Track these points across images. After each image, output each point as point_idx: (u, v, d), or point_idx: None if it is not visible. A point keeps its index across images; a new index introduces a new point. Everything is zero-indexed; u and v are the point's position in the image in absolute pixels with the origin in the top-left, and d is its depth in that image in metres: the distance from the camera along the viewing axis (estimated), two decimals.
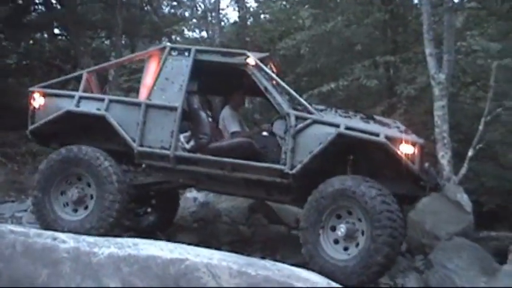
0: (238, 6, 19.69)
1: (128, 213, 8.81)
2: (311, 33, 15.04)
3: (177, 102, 8.15)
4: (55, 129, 8.71)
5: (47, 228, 7.81)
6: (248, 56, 8.16)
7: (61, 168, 8.25)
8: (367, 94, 15.75)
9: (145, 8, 22.68)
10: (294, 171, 7.61)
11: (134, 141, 8.18)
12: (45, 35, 21.93)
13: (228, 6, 22.96)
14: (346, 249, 7.38)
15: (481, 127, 11.53)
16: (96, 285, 5.06)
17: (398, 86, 14.32)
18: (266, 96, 8.17)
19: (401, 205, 7.91)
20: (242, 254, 6.52)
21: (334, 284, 5.67)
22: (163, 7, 24.47)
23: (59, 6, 19.73)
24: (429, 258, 8.58)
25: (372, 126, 7.94)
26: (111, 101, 8.42)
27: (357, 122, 8.09)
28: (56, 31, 21.45)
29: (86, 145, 8.41)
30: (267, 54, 9.43)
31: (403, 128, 8.36)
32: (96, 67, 10.39)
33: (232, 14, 30.96)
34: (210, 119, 8.78)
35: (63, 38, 21.52)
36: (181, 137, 8.31)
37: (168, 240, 7.30)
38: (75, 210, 8.26)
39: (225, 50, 9.00)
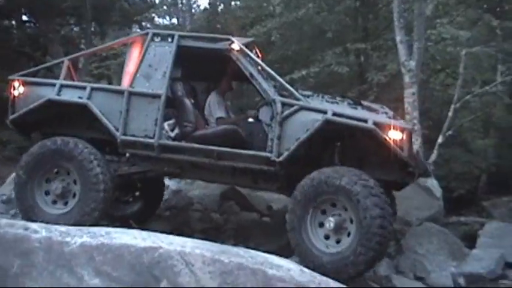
0: None
1: (112, 203, 8.59)
2: (282, 20, 15.09)
3: (161, 89, 7.96)
4: (36, 118, 8.48)
5: (26, 216, 7.83)
6: (232, 42, 7.98)
7: (45, 160, 8.03)
8: (338, 81, 15.84)
9: None
10: (280, 158, 7.45)
11: (117, 130, 7.97)
12: (13, 22, 21.61)
13: None
14: (338, 242, 7.21)
15: (450, 114, 11.69)
16: (69, 274, 5.04)
17: (369, 73, 14.46)
18: (252, 82, 7.98)
19: (390, 191, 7.94)
20: (215, 241, 6.50)
21: (306, 270, 5.68)
22: None
23: None
24: (400, 243, 8.67)
25: (359, 113, 7.77)
26: (93, 89, 8.18)
27: (344, 108, 7.91)
28: (24, 18, 21.15)
29: (68, 134, 8.23)
30: (252, 39, 9.30)
31: (391, 113, 8.24)
32: (78, 54, 10.17)
33: (202, 1, 30.83)
34: (194, 106, 8.61)
35: (32, 25, 21.26)
36: (166, 125, 8.14)
37: (141, 228, 7.28)
38: (59, 203, 8.10)
39: (209, 35, 8.74)
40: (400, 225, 9.01)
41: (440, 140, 11.39)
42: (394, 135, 7.13)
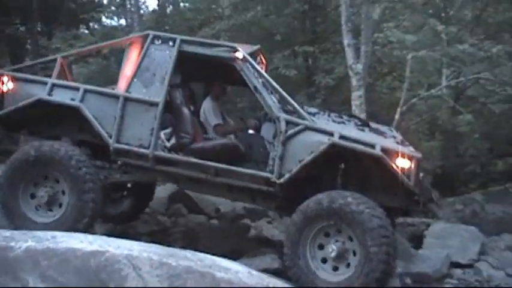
0: None
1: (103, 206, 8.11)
2: (231, 23, 15.09)
3: (159, 97, 7.51)
4: (25, 116, 7.96)
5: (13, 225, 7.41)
6: (237, 50, 7.50)
7: (29, 168, 7.54)
8: (286, 83, 15.88)
9: None
10: (281, 180, 7.07)
11: (110, 137, 7.53)
12: None
13: None
14: (335, 269, 6.81)
15: (397, 116, 11.84)
16: (13, 280, 4.95)
17: (316, 76, 14.59)
18: (255, 95, 7.50)
19: (393, 218, 7.59)
20: (162, 244, 6.48)
21: (254, 273, 5.70)
22: None
23: None
24: None
25: (367, 136, 7.46)
26: (86, 91, 7.70)
27: (351, 130, 7.55)
28: None
29: (57, 135, 7.90)
30: (258, 46, 8.64)
31: (399, 137, 7.87)
32: (72, 52, 9.67)
33: (151, 2, 30.62)
34: (193, 113, 8.17)
35: None
36: (162, 133, 7.74)
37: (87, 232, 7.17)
38: (46, 211, 7.65)
39: (212, 41, 8.25)
40: None
41: None
42: (401, 163, 6.80)
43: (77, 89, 7.73)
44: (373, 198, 6.82)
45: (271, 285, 5.51)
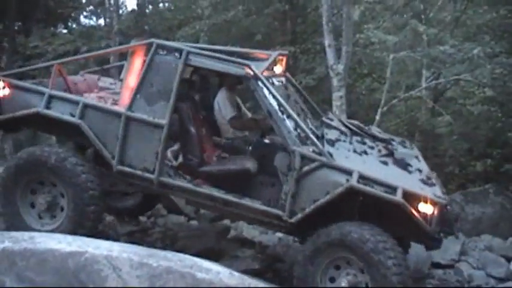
0: None
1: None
2: (211, 22, 15.06)
3: (164, 118, 6.82)
4: (25, 121, 7.45)
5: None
6: (248, 66, 6.70)
7: (23, 174, 7.03)
8: None
9: None
10: (293, 219, 6.50)
11: (113, 157, 6.96)
12: None
13: None
14: None
15: (378, 117, 11.86)
16: None
17: (297, 76, 14.54)
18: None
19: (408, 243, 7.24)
20: (142, 244, 6.40)
21: (235, 273, 5.65)
22: None
23: None
24: None
25: (390, 172, 6.76)
26: (86, 106, 7.06)
27: (372, 164, 6.84)
28: None
29: (60, 135, 7.54)
30: (277, 53, 7.49)
31: (425, 170, 7.09)
32: (68, 59, 8.87)
33: (130, 1, 30.49)
34: (202, 125, 7.49)
35: None
36: (169, 152, 7.27)
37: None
38: (46, 218, 7.14)
39: (223, 57, 7.05)
40: None
41: None
42: (424, 209, 6.29)
43: (77, 102, 7.10)
44: (392, 232, 6.37)
45: (252, 286, 5.48)
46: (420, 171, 6.98)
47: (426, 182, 6.69)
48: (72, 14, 19.40)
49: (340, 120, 7.89)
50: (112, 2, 18.17)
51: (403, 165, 7.03)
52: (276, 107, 6.67)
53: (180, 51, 6.92)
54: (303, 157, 6.46)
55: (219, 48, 7.51)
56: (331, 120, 7.71)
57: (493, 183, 11.96)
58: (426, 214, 6.24)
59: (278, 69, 7.43)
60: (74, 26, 21.00)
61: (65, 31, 19.71)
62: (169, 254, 5.60)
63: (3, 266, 4.91)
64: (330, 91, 11.75)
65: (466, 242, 9.17)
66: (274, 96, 6.67)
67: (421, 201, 6.24)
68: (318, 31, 14.33)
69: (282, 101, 6.66)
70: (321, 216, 6.47)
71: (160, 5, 20.67)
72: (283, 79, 7.71)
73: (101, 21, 21.15)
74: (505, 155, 13.88)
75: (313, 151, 6.51)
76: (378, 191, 6.27)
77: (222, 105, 7.65)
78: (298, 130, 6.70)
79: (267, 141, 7.55)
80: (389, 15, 15.18)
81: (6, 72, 7.99)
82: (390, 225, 6.44)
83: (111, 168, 7.05)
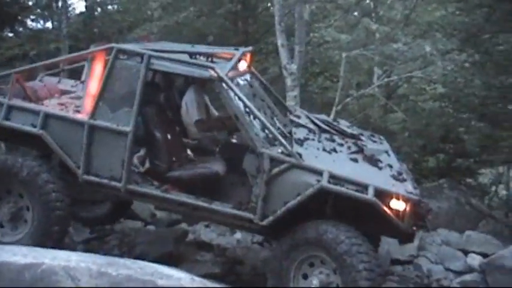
0: None
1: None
2: (162, 24, 14.95)
3: (128, 125, 6.60)
4: None
5: None
6: (212, 68, 6.51)
7: None
8: None
9: None
10: (264, 222, 6.37)
11: (79, 167, 6.73)
12: None
13: None
14: None
15: (332, 116, 11.90)
16: None
17: None
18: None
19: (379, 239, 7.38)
20: (99, 252, 6.28)
21: (197, 279, 5.59)
22: None
23: None
24: None
25: (360, 169, 6.68)
26: (47, 115, 6.81)
27: (343, 162, 6.77)
28: None
29: (25, 144, 7.22)
30: (242, 51, 7.50)
31: (396, 166, 7.04)
32: (26, 67, 8.44)
33: (79, 4, 30.06)
34: (170, 126, 7.34)
35: None
36: (135, 157, 7.04)
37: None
38: (9, 229, 6.88)
39: (186, 60, 6.90)
40: None
41: None
42: (396, 206, 6.24)
43: (37, 112, 6.85)
44: (364, 229, 6.36)
45: None
46: (391, 166, 6.97)
47: (397, 177, 6.67)
48: (19, 17, 18.98)
49: (308, 117, 7.85)
50: (60, 4, 17.90)
51: (374, 161, 7.00)
52: (242, 109, 6.50)
53: (141, 55, 6.71)
54: (272, 159, 6.33)
55: (184, 48, 7.37)
56: (299, 117, 7.68)
57: (447, 179, 12.14)
58: (398, 211, 6.20)
59: (243, 65, 7.34)
60: (21, 29, 20.60)
61: (11, 34, 19.30)
62: (129, 262, 5.52)
63: None
64: (284, 91, 11.74)
65: (424, 237, 9.24)
66: (239, 98, 6.51)
67: (393, 198, 6.20)
68: (270, 31, 14.33)
69: (248, 103, 6.50)
70: (293, 216, 6.36)
71: (110, 7, 20.41)
72: (248, 76, 7.60)
73: (49, 24, 20.80)
74: (457, 150, 14.08)
75: (282, 152, 6.37)
76: (349, 190, 6.19)
77: (190, 106, 7.47)
78: (266, 131, 6.57)
79: (234, 141, 7.46)
80: (340, 14, 15.27)
81: None
82: (363, 222, 6.38)
83: (77, 177, 6.82)
